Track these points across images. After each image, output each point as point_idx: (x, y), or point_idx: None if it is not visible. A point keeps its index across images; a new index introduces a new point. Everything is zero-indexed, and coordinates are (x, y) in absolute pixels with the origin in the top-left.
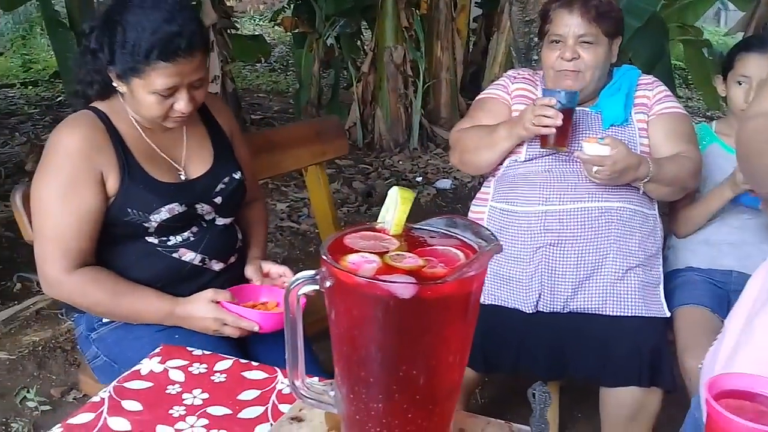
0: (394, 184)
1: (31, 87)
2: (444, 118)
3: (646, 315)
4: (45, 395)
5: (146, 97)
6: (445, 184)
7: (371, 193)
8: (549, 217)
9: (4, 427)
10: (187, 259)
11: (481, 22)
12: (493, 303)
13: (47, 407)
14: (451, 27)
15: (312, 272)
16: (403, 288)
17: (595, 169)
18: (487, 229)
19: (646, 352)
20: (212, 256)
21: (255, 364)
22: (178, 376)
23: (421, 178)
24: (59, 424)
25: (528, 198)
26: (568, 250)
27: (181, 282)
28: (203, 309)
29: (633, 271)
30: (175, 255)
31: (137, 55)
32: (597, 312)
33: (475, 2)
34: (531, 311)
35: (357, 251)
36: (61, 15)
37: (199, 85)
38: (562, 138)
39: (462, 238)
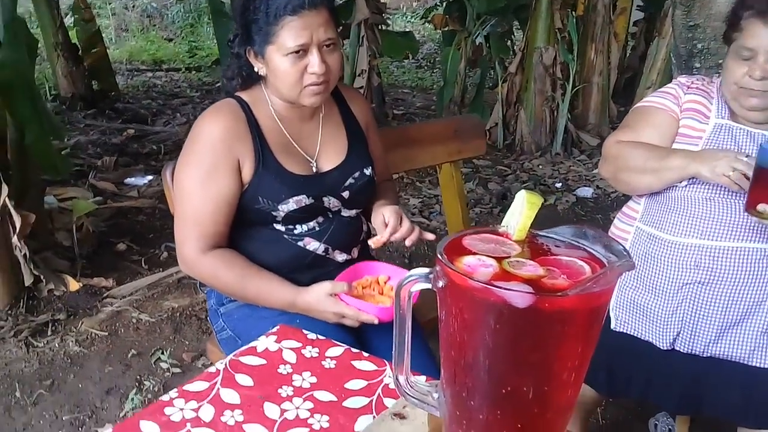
0: (531, 188)
1: (194, 72)
2: (591, 123)
3: None
4: (177, 359)
5: (281, 63)
6: (586, 192)
7: (506, 196)
8: (703, 252)
9: (137, 384)
10: (311, 248)
11: (642, 26)
12: (624, 331)
13: (178, 370)
14: (608, 30)
15: (426, 270)
16: (518, 297)
17: None
18: (619, 243)
19: None
20: (336, 247)
21: (365, 354)
22: (290, 356)
23: (560, 184)
24: (175, 389)
25: (682, 228)
26: (718, 292)
27: (304, 270)
28: (322, 302)
29: None
30: (300, 243)
31: (268, 18)
32: (743, 362)
33: (638, 5)
34: (666, 348)
35: (475, 254)
36: (226, 6)
37: (330, 45)
38: None
39: (590, 250)
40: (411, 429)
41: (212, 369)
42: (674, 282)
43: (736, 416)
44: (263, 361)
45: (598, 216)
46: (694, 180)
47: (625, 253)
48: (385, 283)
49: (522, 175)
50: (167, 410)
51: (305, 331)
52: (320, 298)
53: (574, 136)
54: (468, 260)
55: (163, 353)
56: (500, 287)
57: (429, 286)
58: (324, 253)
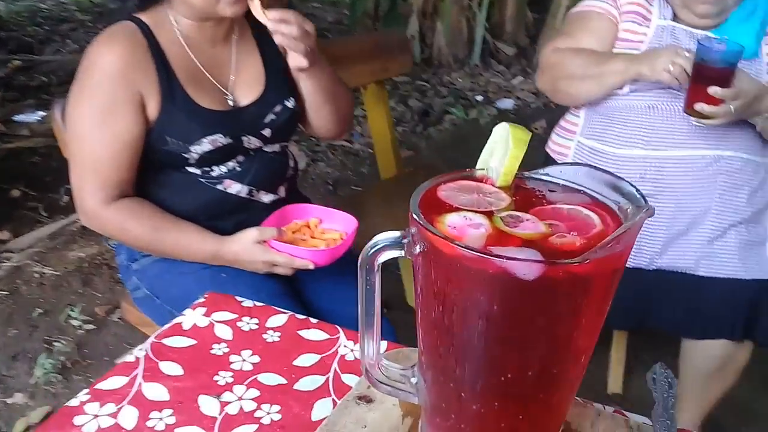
0: (452, 103)
1: None
2: (509, 32)
3: (746, 278)
4: (89, 314)
5: None
6: (506, 104)
7: (428, 112)
8: (647, 163)
9: (47, 345)
10: (232, 191)
11: None
12: None
13: (91, 326)
14: None
15: (396, 234)
16: (526, 267)
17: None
18: (630, 183)
19: (743, 303)
20: (260, 187)
21: (313, 321)
22: (225, 332)
23: (481, 97)
24: (86, 390)
25: (625, 139)
26: (664, 203)
27: (225, 216)
28: (250, 251)
29: (735, 229)
30: (219, 187)
31: None
32: (689, 272)
33: None
34: None
35: (456, 209)
36: None
37: None
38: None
39: (593, 193)
40: (380, 414)
41: (130, 358)
42: None
43: (681, 328)
44: (193, 342)
45: None
46: (636, 87)
47: (638, 196)
48: (317, 226)
49: (441, 90)
50: (77, 420)
51: (239, 299)
52: (247, 246)
53: (492, 46)
54: (452, 219)
55: (73, 309)
56: (502, 257)
57: (401, 253)
58: (248, 196)
